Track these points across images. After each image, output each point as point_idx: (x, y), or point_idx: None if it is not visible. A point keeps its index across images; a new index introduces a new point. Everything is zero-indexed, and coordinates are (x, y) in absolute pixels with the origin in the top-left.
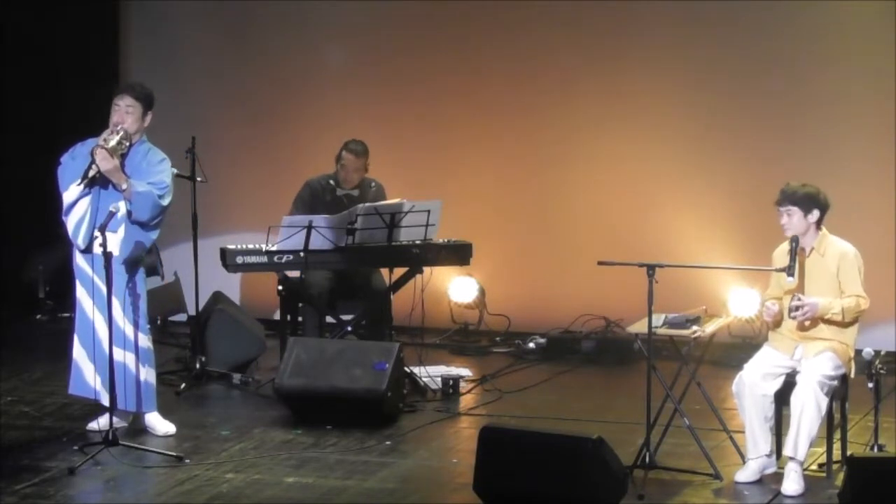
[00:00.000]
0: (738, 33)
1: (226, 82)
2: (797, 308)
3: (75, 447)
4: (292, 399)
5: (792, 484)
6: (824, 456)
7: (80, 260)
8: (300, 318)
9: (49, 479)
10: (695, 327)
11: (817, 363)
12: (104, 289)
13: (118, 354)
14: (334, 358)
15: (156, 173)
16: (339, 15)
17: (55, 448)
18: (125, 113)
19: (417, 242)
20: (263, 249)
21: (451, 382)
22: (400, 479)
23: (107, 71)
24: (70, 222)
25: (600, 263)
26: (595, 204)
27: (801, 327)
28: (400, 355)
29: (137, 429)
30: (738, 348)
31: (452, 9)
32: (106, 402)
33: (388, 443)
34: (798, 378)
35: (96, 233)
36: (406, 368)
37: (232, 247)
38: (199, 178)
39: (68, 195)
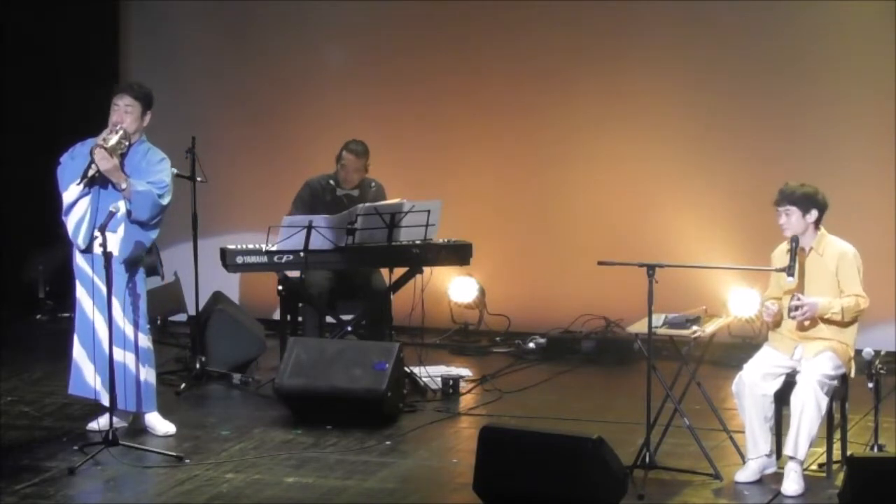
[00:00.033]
0: (738, 33)
1: (226, 82)
2: (796, 308)
3: (75, 447)
4: (292, 399)
5: (792, 484)
6: (824, 456)
7: (80, 260)
8: (300, 318)
9: (49, 479)
10: (695, 327)
11: (817, 363)
12: (104, 289)
13: (118, 354)
14: (334, 358)
15: (155, 173)
16: (339, 15)
17: (55, 448)
18: (124, 112)
19: (417, 242)
20: (263, 249)
21: (451, 382)
22: (400, 479)
23: (107, 71)
24: (70, 222)
25: (600, 263)
26: (595, 204)
27: (801, 327)
28: (400, 355)
29: (137, 429)
30: (738, 348)
31: (452, 9)
32: (106, 402)
33: (388, 443)
34: (798, 378)
35: (96, 233)
36: (406, 368)
37: (232, 247)
38: (199, 178)
39: (68, 195)
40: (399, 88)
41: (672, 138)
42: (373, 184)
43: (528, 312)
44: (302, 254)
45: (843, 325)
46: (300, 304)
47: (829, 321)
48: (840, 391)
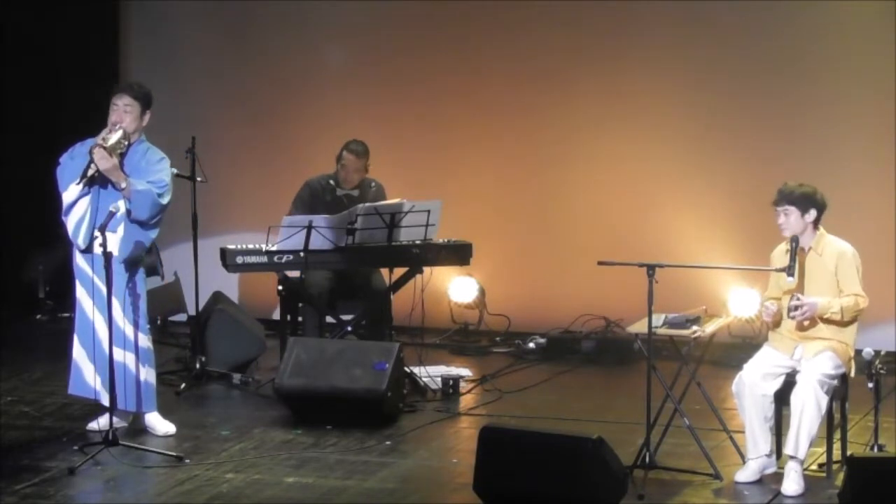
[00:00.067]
0: (738, 33)
1: (226, 82)
2: (796, 308)
3: (75, 447)
4: (292, 399)
5: (792, 484)
6: (824, 456)
7: (79, 260)
8: (300, 318)
9: (49, 479)
10: (695, 327)
11: (817, 362)
12: (104, 289)
13: (118, 354)
14: (334, 358)
15: (155, 172)
16: (339, 15)
17: (55, 448)
18: (123, 112)
19: (417, 242)
20: (263, 249)
21: (451, 382)
22: (400, 479)
23: (107, 71)
24: (70, 222)
25: (600, 263)
26: (595, 204)
27: (801, 327)
28: (400, 355)
29: (137, 429)
30: (738, 348)
31: (452, 9)
32: (106, 402)
33: (388, 443)
34: (798, 377)
35: (96, 233)
36: (406, 368)
37: (232, 247)
38: (199, 178)
39: (68, 195)
40: (399, 88)
41: (672, 138)
42: (373, 184)
43: (528, 312)
44: (302, 254)
45: (843, 324)
46: (300, 304)
47: (828, 321)
48: (840, 391)
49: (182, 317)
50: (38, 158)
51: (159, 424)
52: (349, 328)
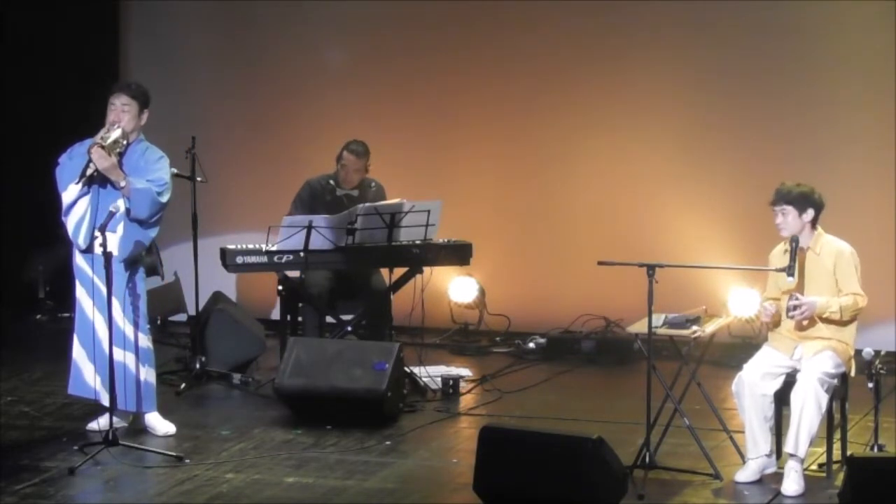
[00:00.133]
0: (738, 33)
1: (226, 82)
2: (795, 308)
3: (75, 447)
4: (292, 399)
5: (792, 484)
6: (824, 456)
7: (79, 260)
8: (300, 318)
9: (49, 479)
10: (695, 327)
11: (818, 361)
12: (104, 289)
13: (118, 354)
14: (334, 358)
15: (154, 171)
16: (339, 15)
17: (55, 448)
18: (121, 111)
19: (417, 242)
20: (263, 249)
21: (451, 382)
22: (400, 479)
23: (107, 71)
24: (70, 222)
25: (600, 263)
26: (595, 204)
27: (800, 327)
28: (400, 355)
29: (137, 429)
30: (738, 348)
31: (452, 9)
32: (106, 402)
33: (388, 443)
34: (798, 376)
35: (96, 233)
36: (406, 368)
37: (232, 247)
38: (199, 178)
39: (67, 195)
40: (399, 88)
41: (672, 138)
42: (373, 184)
43: (528, 312)
44: (302, 254)
45: (842, 324)
46: (300, 304)
47: (827, 320)
48: (840, 391)
49: (182, 317)
50: (38, 158)
51: (159, 424)
52: (349, 328)
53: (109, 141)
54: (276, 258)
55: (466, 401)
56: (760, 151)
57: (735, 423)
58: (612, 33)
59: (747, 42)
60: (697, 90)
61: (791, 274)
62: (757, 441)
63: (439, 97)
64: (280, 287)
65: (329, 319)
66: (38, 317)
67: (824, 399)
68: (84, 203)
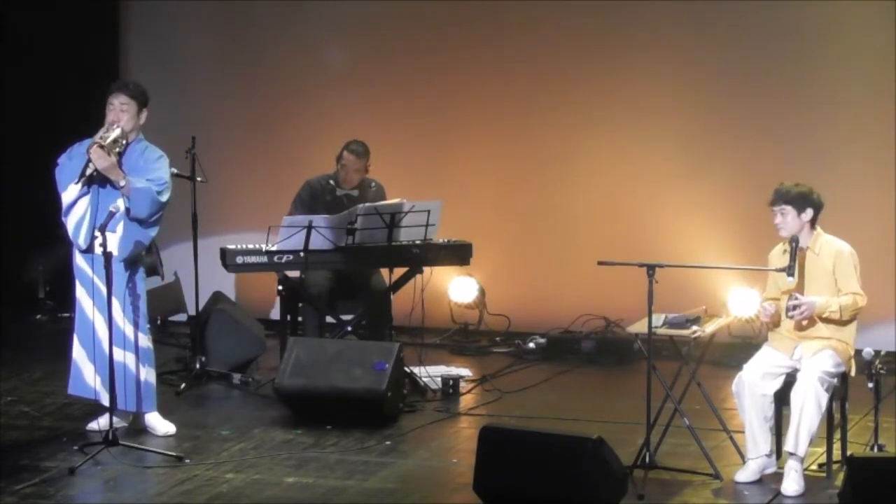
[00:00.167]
0: (738, 33)
1: (226, 82)
2: (794, 307)
3: (75, 447)
4: (292, 399)
5: (792, 484)
6: (824, 456)
7: (79, 260)
8: (300, 318)
9: (49, 479)
10: (695, 327)
11: (818, 360)
12: (104, 289)
13: (118, 354)
14: (334, 358)
15: (154, 170)
16: (339, 15)
17: (55, 448)
18: (120, 111)
19: (417, 242)
20: (263, 249)
21: (451, 382)
22: (400, 479)
23: (107, 71)
24: (70, 223)
25: (600, 263)
26: (595, 204)
27: (800, 327)
28: (400, 355)
29: (137, 429)
30: (738, 348)
31: (452, 9)
32: (106, 402)
33: (388, 443)
34: (798, 375)
35: (96, 233)
36: (406, 368)
37: (232, 247)
38: (199, 178)
39: (67, 195)
40: (399, 88)
41: (672, 138)
42: (373, 184)
43: (528, 312)
44: (302, 254)
45: (842, 323)
46: (300, 304)
47: (827, 320)
48: (840, 391)
49: (182, 317)
50: (38, 158)
51: (159, 424)
52: (349, 328)
53: (108, 140)
54: (276, 258)
55: (466, 401)
56: (760, 151)
57: (735, 423)
58: (612, 33)
59: (747, 42)
60: (697, 90)
61: (791, 274)
62: (757, 441)
63: (439, 97)
64: (280, 287)
65: (329, 319)
66: (38, 317)
67: (824, 398)
68: (84, 203)
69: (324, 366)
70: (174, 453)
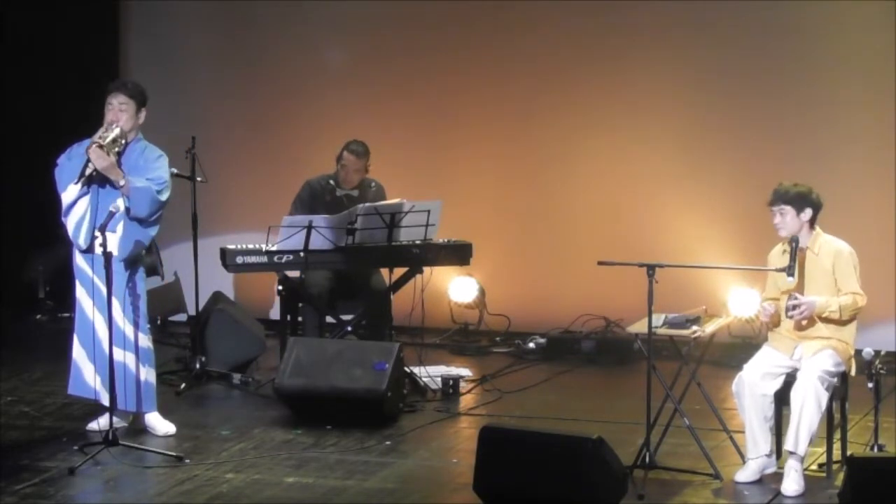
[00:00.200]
0: (738, 33)
1: (226, 82)
2: (794, 307)
3: (75, 447)
4: (292, 399)
5: (792, 484)
6: (824, 456)
7: (79, 260)
8: (300, 318)
9: (49, 479)
10: (695, 327)
11: (818, 359)
12: (104, 289)
13: (118, 354)
14: (334, 358)
15: (153, 169)
16: (339, 15)
17: (55, 448)
18: (119, 111)
19: (417, 242)
20: (263, 249)
21: (451, 382)
22: (400, 479)
23: (107, 71)
24: (70, 223)
25: (600, 263)
26: (595, 204)
27: (800, 327)
28: (400, 355)
29: (137, 429)
30: (738, 348)
31: (452, 9)
32: (106, 402)
33: (388, 443)
34: (798, 374)
35: (96, 233)
36: (406, 368)
37: (232, 247)
38: (198, 178)
39: (67, 196)
40: (399, 88)
41: (672, 138)
42: (373, 184)
43: (528, 312)
44: (302, 254)
45: (842, 323)
46: (300, 304)
47: (827, 320)
48: (840, 390)
49: (182, 317)
50: (38, 158)
51: (159, 424)
52: (349, 328)
53: (108, 140)
54: (276, 258)
55: (466, 401)
56: (760, 151)
57: (735, 423)
58: (612, 33)
59: (747, 42)
60: (697, 90)
61: (791, 274)
62: (757, 441)
63: (439, 97)
64: (280, 287)
65: (329, 319)
66: (38, 317)
67: (824, 397)
68: (84, 203)
69: (324, 366)
70: (174, 453)
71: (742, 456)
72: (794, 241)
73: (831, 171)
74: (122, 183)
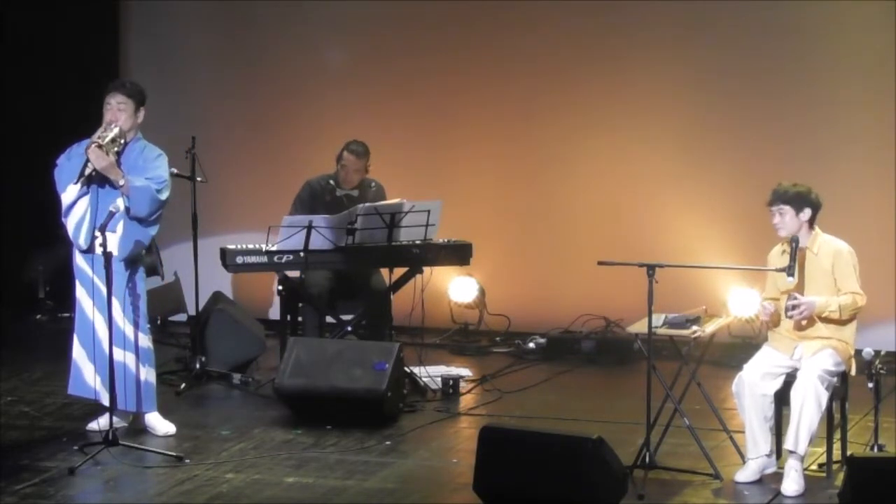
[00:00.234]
0: (738, 33)
1: (226, 82)
2: (794, 307)
3: (75, 447)
4: (292, 399)
5: (792, 484)
6: (824, 456)
7: (79, 260)
8: (300, 318)
9: (49, 479)
10: (695, 327)
11: (818, 358)
12: (104, 289)
13: (118, 354)
14: (334, 358)
15: (153, 168)
16: (339, 15)
17: (55, 448)
18: (117, 110)
19: (417, 242)
20: (263, 249)
21: (451, 382)
22: (400, 479)
23: (107, 71)
24: (70, 223)
25: (600, 263)
26: (595, 204)
27: (800, 327)
28: (400, 355)
29: (137, 429)
30: (738, 348)
31: (452, 9)
32: (106, 402)
33: (388, 443)
34: (798, 374)
35: (96, 233)
36: (406, 368)
37: (232, 247)
38: (198, 178)
39: (66, 196)
40: (399, 88)
41: (672, 138)
42: (373, 184)
43: (528, 312)
44: (302, 254)
45: (842, 323)
46: (300, 304)
47: (827, 320)
48: (840, 390)
49: (182, 317)
50: (38, 158)
51: (159, 424)
52: (349, 328)
53: (107, 140)
54: (276, 258)
55: (466, 401)
56: (760, 151)
57: (735, 423)
58: (612, 33)
59: (747, 42)
60: (697, 90)
61: (791, 274)
62: (757, 441)
63: (439, 97)
64: (280, 287)
65: (329, 319)
66: (38, 317)
67: (824, 396)
68: (84, 203)
69: (324, 366)
70: (174, 453)
71: (742, 456)
72: (794, 241)
73: (831, 171)
74: (121, 182)
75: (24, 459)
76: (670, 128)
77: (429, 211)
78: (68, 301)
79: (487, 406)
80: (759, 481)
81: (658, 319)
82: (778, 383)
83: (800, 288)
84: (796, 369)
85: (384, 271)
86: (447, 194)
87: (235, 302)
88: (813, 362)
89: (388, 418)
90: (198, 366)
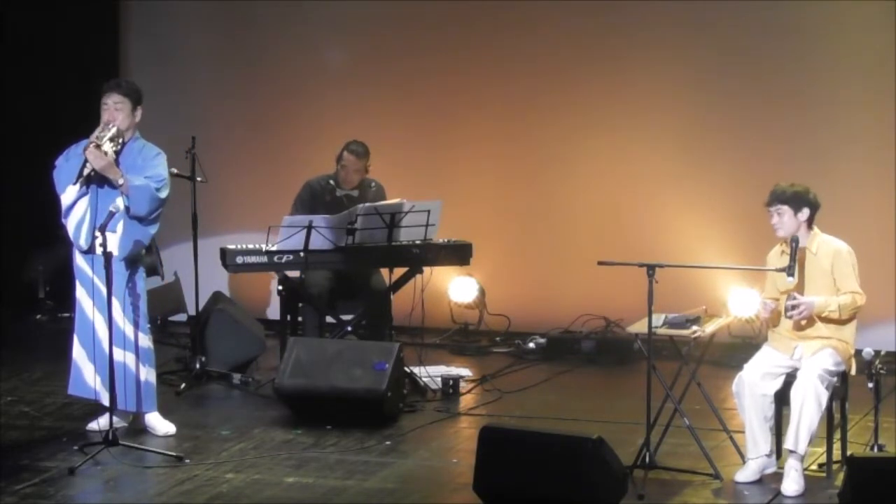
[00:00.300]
0: (738, 34)
1: (226, 82)
2: (793, 307)
3: (75, 447)
4: (292, 399)
5: (792, 484)
6: (824, 456)
7: (79, 260)
8: (300, 318)
9: (49, 479)
10: (695, 327)
11: (818, 358)
12: (104, 289)
13: (118, 354)
14: (334, 358)
15: (152, 167)
16: (339, 15)
17: (55, 448)
18: (115, 110)
19: (417, 242)
20: (263, 249)
21: (451, 382)
22: (400, 479)
23: (107, 71)
24: (70, 224)
25: (600, 263)
26: (595, 204)
27: (799, 327)
28: (400, 355)
29: (137, 429)
30: (738, 348)
31: (452, 9)
32: (106, 402)
33: (388, 443)
34: (798, 373)
35: (97, 233)
36: (406, 368)
37: (232, 247)
38: (198, 178)
39: (66, 197)
40: (399, 89)
41: (672, 138)
42: (373, 184)
43: (528, 312)
44: (302, 254)
45: (842, 322)
46: (300, 304)
47: (826, 319)
48: (840, 390)
49: (182, 317)
50: (38, 158)
51: (159, 424)
52: (349, 328)
53: (105, 140)
54: (276, 258)
55: (466, 401)
56: (760, 151)
57: (735, 423)
58: (612, 33)
59: (747, 42)
60: (697, 90)
61: (791, 274)
62: (757, 441)
63: (439, 97)
64: (280, 287)
65: (329, 319)
66: (38, 317)
67: (824, 396)
68: (83, 204)
69: (324, 366)
70: (174, 453)
71: (742, 456)
72: (794, 241)
73: (831, 171)
74: (120, 182)
75: (24, 459)
76: (670, 128)
77: (429, 211)
78: (68, 301)
79: (487, 406)
80: (759, 481)
81: (658, 319)
82: (778, 383)
83: (799, 288)
84: (796, 369)
85: (384, 271)
86: (447, 194)
87: (235, 302)
88: (813, 362)
89: (388, 418)
90: (198, 366)
